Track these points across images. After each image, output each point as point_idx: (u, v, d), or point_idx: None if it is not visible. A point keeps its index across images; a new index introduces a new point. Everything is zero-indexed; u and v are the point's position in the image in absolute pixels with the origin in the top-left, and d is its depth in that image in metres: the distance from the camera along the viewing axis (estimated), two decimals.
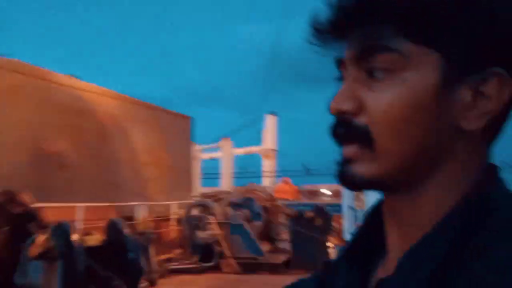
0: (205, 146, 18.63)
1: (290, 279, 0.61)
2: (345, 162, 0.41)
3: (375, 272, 0.46)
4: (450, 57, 0.38)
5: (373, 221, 0.48)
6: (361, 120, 0.40)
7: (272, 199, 10.31)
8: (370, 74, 0.40)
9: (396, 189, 0.42)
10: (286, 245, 9.03)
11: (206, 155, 19.24)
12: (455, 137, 0.40)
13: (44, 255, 2.77)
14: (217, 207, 8.83)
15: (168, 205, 9.18)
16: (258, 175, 20.39)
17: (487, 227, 0.37)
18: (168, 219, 8.97)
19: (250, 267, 8.03)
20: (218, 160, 19.37)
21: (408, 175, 0.40)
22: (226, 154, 18.80)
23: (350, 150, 0.41)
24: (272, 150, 19.77)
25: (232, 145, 19.07)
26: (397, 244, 0.43)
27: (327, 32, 0.42)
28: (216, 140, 18.99)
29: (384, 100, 0.39)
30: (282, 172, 21.00)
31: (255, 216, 8.96)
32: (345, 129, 0.41)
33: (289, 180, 18.33)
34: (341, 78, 0.44)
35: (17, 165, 6.34)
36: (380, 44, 0.39)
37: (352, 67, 0.42)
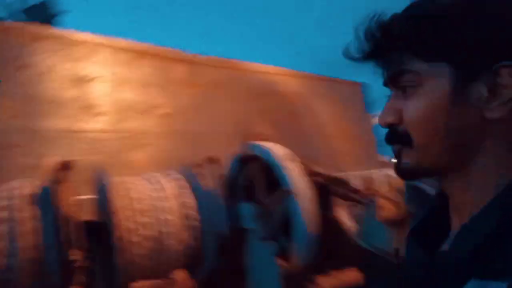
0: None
1: None
2: (396, 159, 0.54)
3: (440, 245, 0.55)
4: (457, 65, 0.48)
5: (441, 204, 0.57)
6: (401, 126, 0.53)
7: None
8: (404, 90, 0.53)
9: (443, 175, 0.53)
10: None
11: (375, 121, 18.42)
12: (485, 127, 0.48)
13: (394, 220, 2.76)
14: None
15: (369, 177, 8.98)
16: None
17: None
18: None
19: None
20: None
21: (447, 162, 0.51)
22: None
23: (398, 148, 0.54)
24: None
25: None
26: (456, 224, 0.52)
27: (359, 59, 0.55)
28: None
29: (413, 108, 0.51)
30: None
31: None
32: (391, 134, 0.54)
33: None
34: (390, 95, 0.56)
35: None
36: (402, 68, 0.52)
37: (392, 86, 0.55)
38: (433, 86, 0.50)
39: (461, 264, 0.45)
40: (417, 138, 0.51)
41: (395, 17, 0.52)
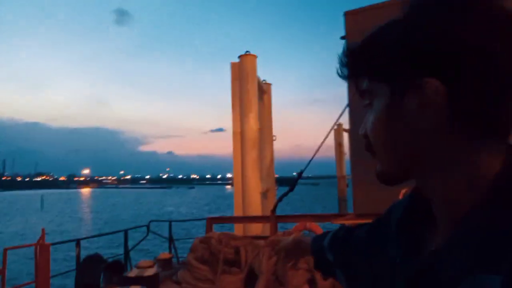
0: None
1: None
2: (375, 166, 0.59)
3: (427, 242, 0.56)
4: (390, 83, 0.53)
5: (416, 204, 0.61)
6: (368, 140, 0.59)
7: None
8: (367, 108, 0.59)
9: (416, 180, 0.57)
10: None
11: None
12: (422, 138, 0.51)
13: None
14: None
15: None
16: None
17: None
18: None
19: None
20: None
21: (408, 169, 0.55)
22: None
23: (373, 157, 0.59)
24: None
25: None
26: (441, 220, 0.54)
27: (343, 77, 0.61)
28: None
29: (368, 123, 0.58)
30: None
31: None
32: (365, 144, 0.59)
33: None
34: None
35: None
36: (360, 89, 0.59)
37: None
38: (378, 103, 0.55)
39: (460, 262, 0.45)
40: (374, 148, 0.57)
41: (354, 46, 0.58)
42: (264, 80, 9.46)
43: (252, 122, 7.63)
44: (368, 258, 0.72)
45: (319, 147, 3.70)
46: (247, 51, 7.99)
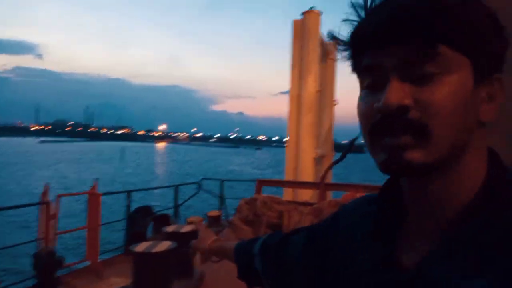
0: None
1: None
2: (397, 151, 0.46)
3: (400, 250, 0.52)
4: (478, 63, 0.47)
5: (389, 201, 0.56)
6: (415, 114, 0.45)
7: None
8: (419, 77, 0.46)
9: (435, 171, 0.48)
10: None
11: None
12: (476, 126, 0.48)
13: None
14: None
15: None
16: None
17: None
18: None
19: None
20: None
21: (446, 159, 0.46)
22: None
23: (405, 139, 0.45)
24: None
25: None
26: (423, 225, 0.50)
27: (368, 42, 0.48)
28: None
29: (438, 97, 0.45)
30: None
31: None
32: (400, 121, 0.45)
33: None
34: (373, 82, 0.49)
35: None
36: (429, 51, 0.45)
37: (396, 72, 0.47)
38: (460, 78, 0.46)
39: (455, 266, 0.44)
40: (435, 129, 0.45)
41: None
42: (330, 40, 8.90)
43: (311, 85, 7.26)
44: (306, 270, 0.67)
45: None
46: (311, 7, 7.50)
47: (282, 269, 0.73)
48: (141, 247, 3.24)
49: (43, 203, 4.22)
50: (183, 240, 3.49)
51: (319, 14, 7.46)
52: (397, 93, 0.45)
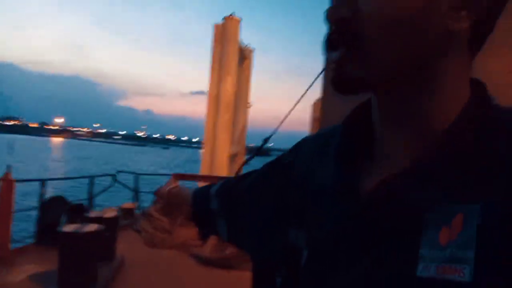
0: None
1: None
2: (338, 66, 0.43)
3: (366, 173, 0.47)
4: None
5: (357, 123, 0.51)
6: (355, 25, 0.41)
7: None
8: None
9: (393, 92, 0.44)
10: None
11: None
12: (446, 40, 0.41)
13: None
14: None
15: None
16: None
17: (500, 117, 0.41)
18: None
19: None
20: None
21: (404, 75, 0.42)
22: None
23: (343, 53, 0.43)
24: None
25: None
26: (393, 147, 0.45)
27: None
28: None
29: (376, 4, 0.40)
30: None
31: None
32: (340, 34, 0.43)
33: None
34: None
35: None
36: None
37: None
38: None
39: (429, 189, 0.39)
40: (373, 41, 0.41)
41: None
42: (247, 45, 9.47)
43: (229, 85, 7.71)
44: (261, 197, 0.63)
45: (285, 117, 3.80)
46: (232, 13, 7.96)
47: (238, 202, 0.68)
48: (69, 228, 3.34)
49: None
50: (107, 224, 3.65)
51: (239, 20, 7.95)
52: (337, 7, 0.42)
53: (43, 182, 5.13)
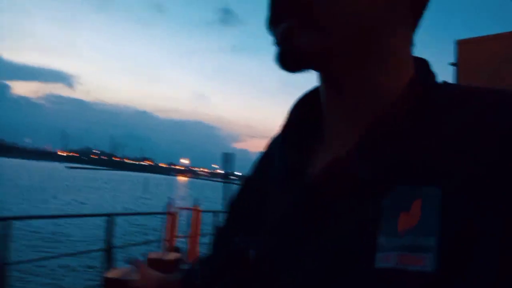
0: None
1: None
2: (286, 39, 0.38)
3: (314, 156, 0.43)
4: None
5: (303, 109, 0.48)
6: None
7: None
8: None
9: (341, 66, 0.39)
10: None
11: None
12: (392, 8, 0.38)
13: None
14: None
15: None
16: None
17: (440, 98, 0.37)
18: None
19: None
20: None
21: (355, 46, 0.38)
22: None
23: (290, 24, 0.38)
24: None
25: None
26: (342, 127, 0.41)
27: None
28: None
29: None
30: None
31: None
32: (285, 5, 0.38)
33: None
34: None
35: None
36: None
37: None
38: None
39: (382, 167, 0.35)
40: (324, 10, 0.36)
41: None
42: None
43: None
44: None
45: None
46: None
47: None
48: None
49: (169, 213, 5.63)
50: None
51: None
52: None
53: (216, 213, 6.53)
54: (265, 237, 0.42)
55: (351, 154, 0.37)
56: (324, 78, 0.42)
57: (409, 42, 0.41)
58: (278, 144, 0.48)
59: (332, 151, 0.41)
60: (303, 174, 0.42)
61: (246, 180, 0.55)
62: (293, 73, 0.40)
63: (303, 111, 0.47)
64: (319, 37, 0.37)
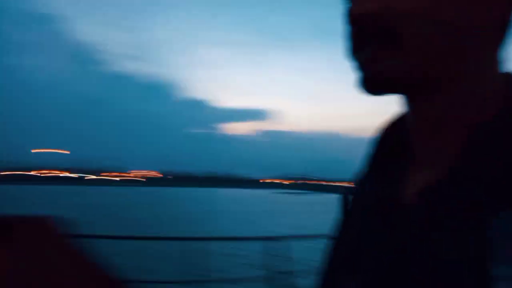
0: None
1: None
2: (368, 64, 0.40)
3: (405, 181, 0.44)
4: None
5: (392, 134, 0.49)
6: (383, 21, 0.39)
7: None
8: None
9: (427, 89, 0.40)
10: None
11: None
12: (474, 34, 0.39)
13: None
14: None
15: None
16: None
17: None
18: None
19: None
20: None
21: (438, 71, 0.39)
22: None
23: (374, 50, 0.39)
24: None
25: None
26: (431, 151, 0.42)
27: None
28: None
29: (415, 3, 0.38)
30: None
31: None
32: (368, 31, 0.39)
33: None
34: None
35: None
36: None
37: None
38: None
39: (485, 188, 0.35)
40: (409, 35, 0.38)
41: None
42: None
43: None
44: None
45: None
46: None
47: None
48: None
49: None
50: None
51: None
52: (362, 2, 0.39)
53: None
54: (362, 265, 0.43)
55: (451, 174, 0.38)
56: (410, 101, 0.43)
57: (498, 60, 0.41)
58: (369, 173, 0.50)
59: (425, 174, 0.41)
60: (397, 201, 0.42)
61: (346, 212, 0.55)
62: (377, 97, 0.41)
63: (390, 139, 0.49)
64: (404, 62, 0.38)
